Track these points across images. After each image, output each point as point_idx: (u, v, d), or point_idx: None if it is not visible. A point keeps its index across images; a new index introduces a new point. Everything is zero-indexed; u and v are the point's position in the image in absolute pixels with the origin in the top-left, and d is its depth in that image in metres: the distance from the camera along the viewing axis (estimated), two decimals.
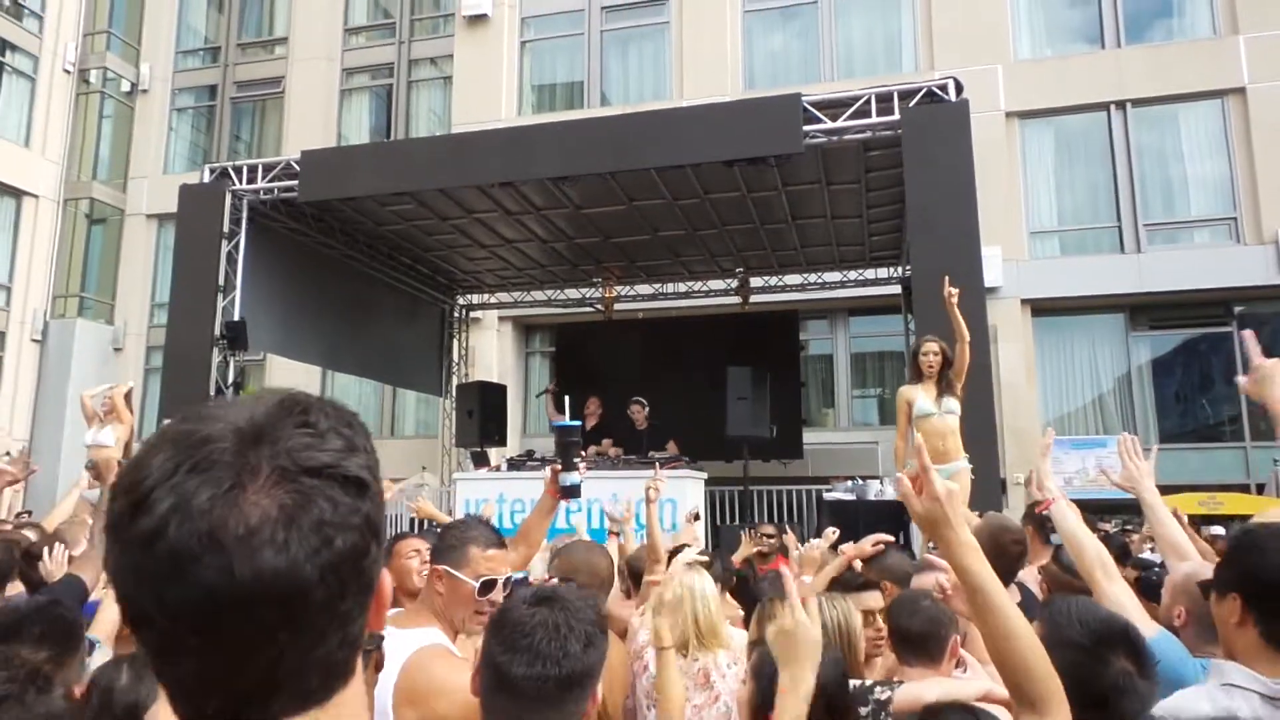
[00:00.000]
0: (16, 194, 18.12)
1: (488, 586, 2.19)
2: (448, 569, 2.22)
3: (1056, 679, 1.47)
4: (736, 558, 5.05)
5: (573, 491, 2.97)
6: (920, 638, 2.31)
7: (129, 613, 0.64)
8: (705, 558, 3.33)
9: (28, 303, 18.02)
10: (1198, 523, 6.61)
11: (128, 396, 6.20)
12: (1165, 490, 2.39)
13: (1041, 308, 13.67)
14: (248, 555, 0.60)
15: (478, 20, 16.39)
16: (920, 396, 5.54)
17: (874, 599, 2.87)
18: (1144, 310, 13.55)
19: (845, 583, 3.25)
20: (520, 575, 2.31)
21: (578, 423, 3.29)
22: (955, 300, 5.50)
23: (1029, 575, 3.49)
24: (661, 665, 2.59)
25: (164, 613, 0.61)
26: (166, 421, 0.71)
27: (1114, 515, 7.04)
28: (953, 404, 5.52)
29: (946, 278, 5.67)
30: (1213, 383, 13.19)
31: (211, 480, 0.62)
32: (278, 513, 0.62)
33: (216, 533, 0.60)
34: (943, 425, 5.47)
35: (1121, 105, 13.70)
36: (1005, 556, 3.06)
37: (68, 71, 19.07)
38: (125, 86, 19.58)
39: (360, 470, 0.67)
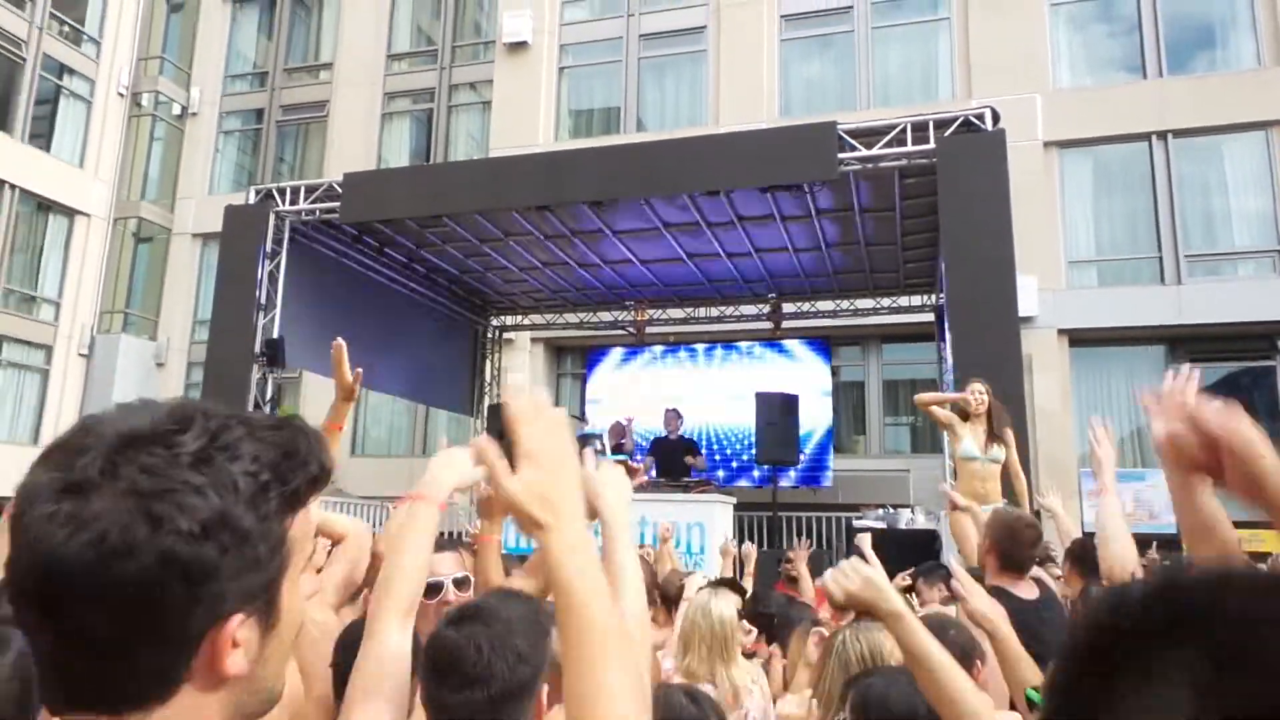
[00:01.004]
0: (70, 213, 18.69)
1: (433, 590, 2.09)
2: None
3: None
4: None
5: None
6: None
7: None
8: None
9: (76, 318, 18.53)
10: None
11: None
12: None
13: (1079, 338, 13.48)
14: (45, 539, 0.64)
15: (518, 47, 16.68)
16: (968, 437, 5.47)
17: (877, 631, 2.86)
18: (1184, 343, 13.31)
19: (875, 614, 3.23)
20: (461, 575, 2.24)
21: (599, 431, 3.21)
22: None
23: (1044, 572, 3.46)
24: None
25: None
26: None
27: (1150, 548, 6.91)
28: (998, 453, 5.49)
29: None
30: (1255, 417, 12.79)
31: (53, 473, 0.67)
32: (81, 514, 0.64)
33: (32, 511, 0.65)
34: (985, 471, 5.46)
35: (1163, 136, 13.55)
36: (1018, 542, 3.09)
37: (121, 95, 19.70)
38: (176, 109, 20.18)
39: (175, 509, 0.65)
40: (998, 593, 2.71)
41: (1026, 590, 3.21)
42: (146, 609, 0.64)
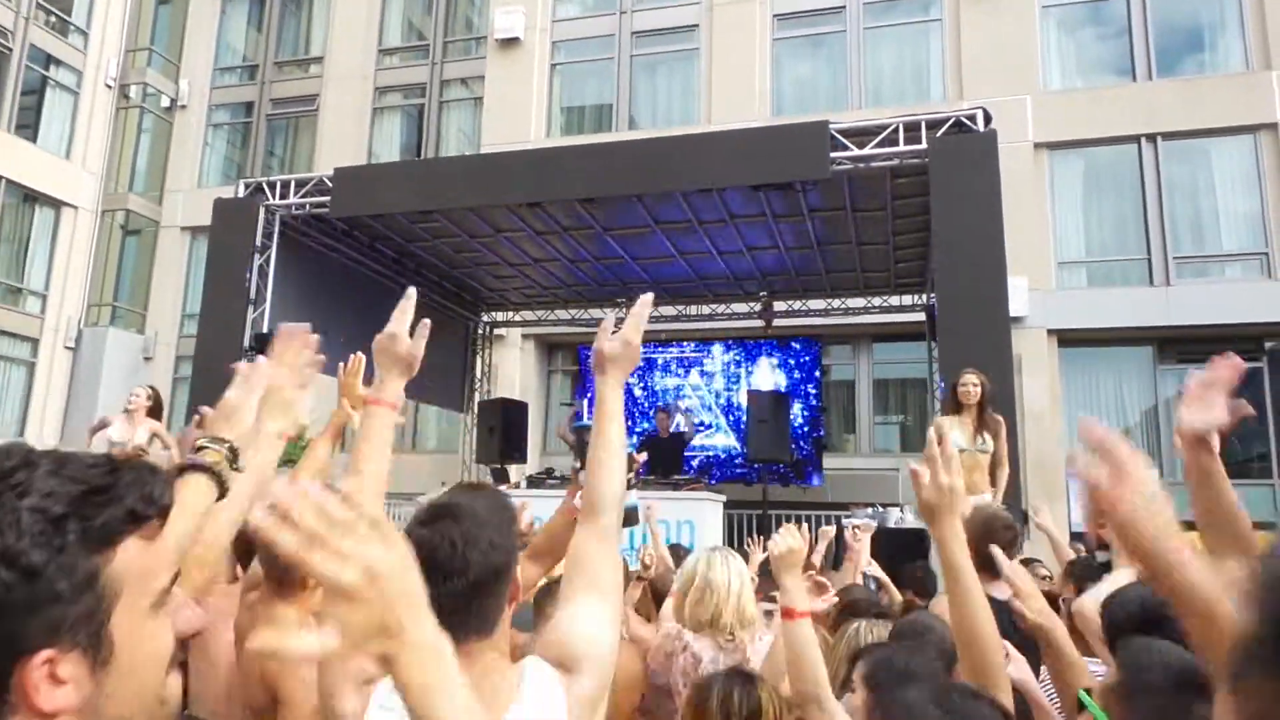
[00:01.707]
0: (56, 204, 18.54)
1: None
2: None
3: (1002, 658, 1.76)
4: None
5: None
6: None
7: None
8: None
9: (63, 311, 18.39)
10: None
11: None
12: (1194, 528, 2.31)
13: (1068, 339, 13.56)
14: None
15: (509, 43, 16.64)
16: (956, 431, 5.49)
17: (886, 628, 2.87)
18: (1173, 343, 13.40)
19: (860, 610, 3.24)
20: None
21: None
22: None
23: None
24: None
25: None
26: None
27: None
28: (987, 443, 5.51)
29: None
30: (1242, 419, 12.99)
31: None
32: None
33: None
34: (972, 461, 5.47)
35: (1152, 138, 13.63)
36: (995, 542, 3.13)
37: (109, 86, 19.55)
38: (164, 102, 20.04)
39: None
40: None
41: (1000, 590, 3.23)
42: None
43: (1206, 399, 1.57)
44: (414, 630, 0.78)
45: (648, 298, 1.75)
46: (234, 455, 1.57)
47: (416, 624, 0.79)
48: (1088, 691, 1.71)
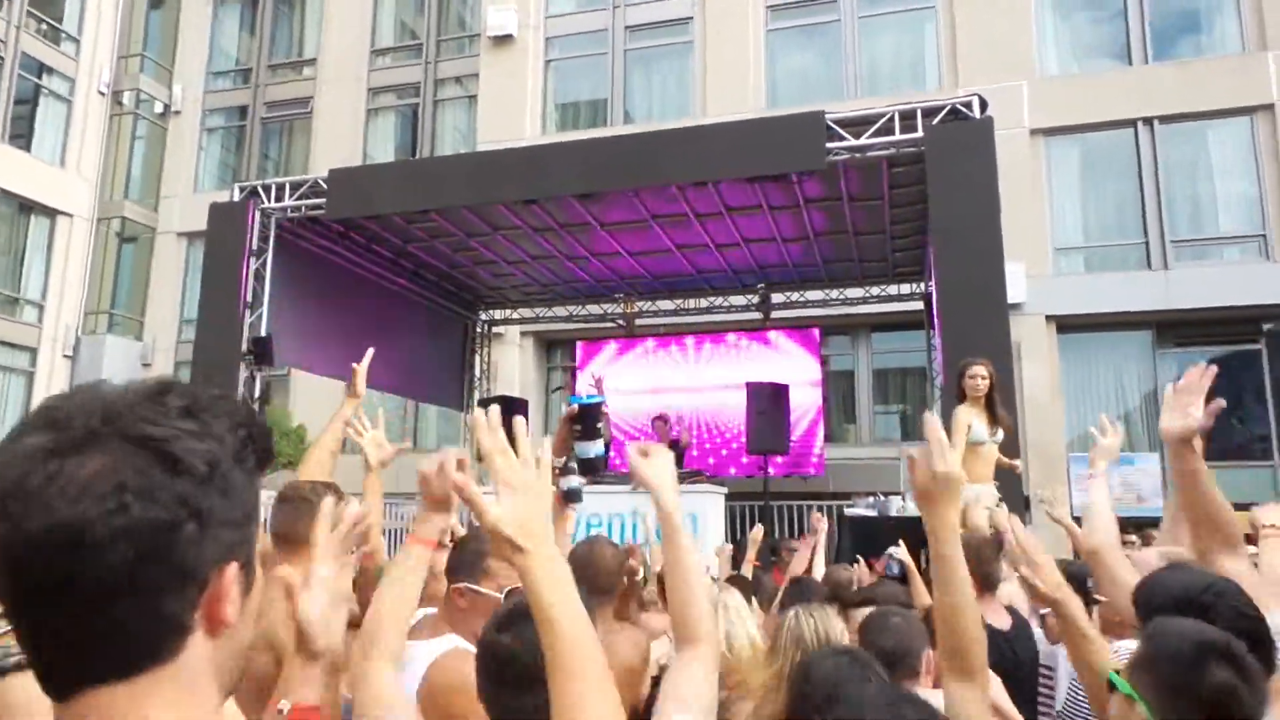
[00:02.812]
0: (51, 213, 18.51)
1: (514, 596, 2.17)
2: (469, 585, 2.19)
3: (985, 654, 1.76)
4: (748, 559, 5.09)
5: (593, 466, 2.53)
6: (891, 654, 2.29)
7: None
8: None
9: (60, 319, 18.37)
10: None
11: None
12: (1244, 509, 2.32)
13: (1067, 324, 13.54)
14: (40, 506, 0.64)
15: (503, 40, 16.60)
16: (976, 421, 5.45)
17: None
18: (1171, 328, 13.39)
19: (844, 600, 3.23)
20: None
21: (600, 398, 2.92)
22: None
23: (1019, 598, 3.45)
24: None
25: None
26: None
27: (1138, 531, 6.96)
28: (998, 434, 5.51)
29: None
30: (1242, 401, 12.98)
31: (40, 440, 0.67)
32: (81, 472, 0.65)
33: (21, 482, 0.65)
34: (988, 453, 5.48)
35: (1149, 122, 13.60)
36: (984, 559, 3.21)
37: (102, 93, 19.51)
38: (158, 108, 19.99)
39: (184, 452, 0.68)
40: None
41: (998, 618, 3.23)
42: (166, 552, 0.67)
43: (1184, 404, 1.62)
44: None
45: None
46: None
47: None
48: (1117, 673, 1.70)
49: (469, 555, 2.26)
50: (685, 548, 1.51)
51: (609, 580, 2.70)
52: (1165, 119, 13.52)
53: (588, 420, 2.62)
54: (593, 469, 2.56)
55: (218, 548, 0.70)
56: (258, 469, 0.76)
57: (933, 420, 1.78)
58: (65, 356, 18.29)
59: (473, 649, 2.15)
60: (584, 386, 12.55)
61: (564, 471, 2.35)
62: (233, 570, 0.72)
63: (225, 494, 0.71)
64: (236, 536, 0.72)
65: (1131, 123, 13.67)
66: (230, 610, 0.72)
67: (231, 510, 0.71)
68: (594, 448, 2.56)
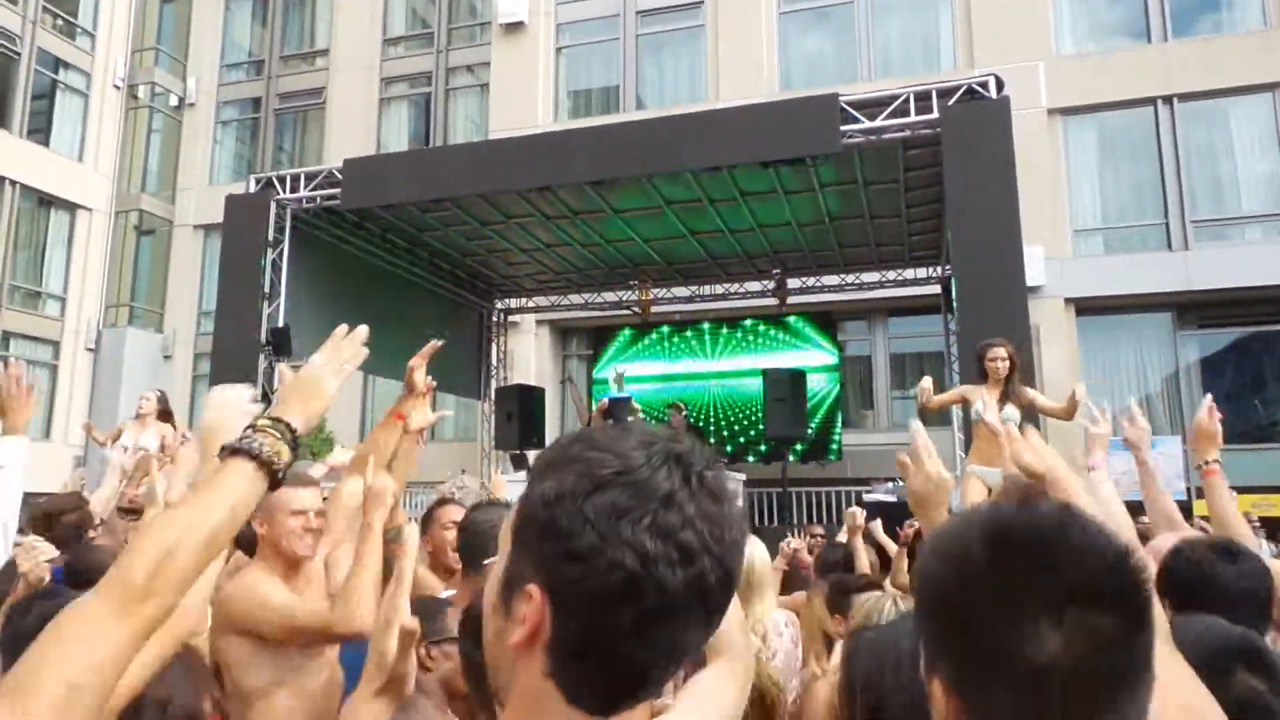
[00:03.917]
0: (71, 208, 18.68)
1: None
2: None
3: None
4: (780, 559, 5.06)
5: None
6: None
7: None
8: None
9: (82, 313, 18.56)
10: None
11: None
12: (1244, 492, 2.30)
13: (1086, 307, 13.41)
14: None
15: (514, 28, 16.55)
16: (980, 400, 5.41)
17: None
18: (1192, 309, 13.24)
19: (846, 585, 3.23)
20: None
21: (629, 394, 3.00)
22: None
23: None
24: None
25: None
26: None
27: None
28: (1012, 412, 5.43)
29: None
30: (1264, 382, 12.84)
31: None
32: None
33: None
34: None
35: (1168, 100, 13.40)
36: None
37: (118, 87, 19.63)
38: (173, 101, 20.10)
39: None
40: None
41: None
42: None
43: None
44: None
45: None
46: (293, 439, 1.25)
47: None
48: None
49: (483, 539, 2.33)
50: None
51: None
52: (1185, 97, 13.33)
53: (618, 414, 2.68)
54: None
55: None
56: None
57: (917, 426, 1.75)
58: (88, 349, 18.49)
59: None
60: (609, 374, 12.52)
61: None
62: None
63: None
64: None
65: (1151, 101, 13.48)
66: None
67: None
68: None
